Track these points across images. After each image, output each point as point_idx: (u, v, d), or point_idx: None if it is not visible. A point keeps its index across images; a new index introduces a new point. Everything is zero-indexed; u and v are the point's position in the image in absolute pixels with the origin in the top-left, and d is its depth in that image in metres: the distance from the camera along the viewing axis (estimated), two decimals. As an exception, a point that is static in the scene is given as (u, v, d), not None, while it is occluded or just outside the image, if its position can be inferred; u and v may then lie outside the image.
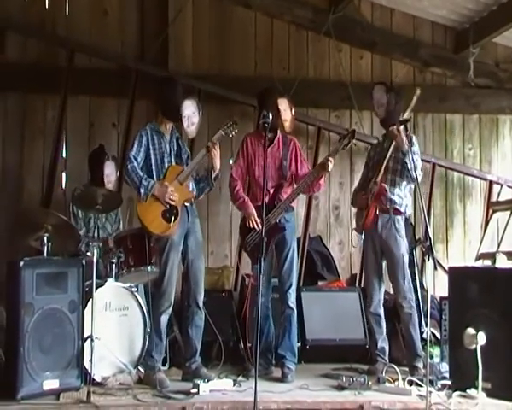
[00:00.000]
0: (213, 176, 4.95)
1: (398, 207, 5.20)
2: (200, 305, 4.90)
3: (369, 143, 6.30)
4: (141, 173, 4.79)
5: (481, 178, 7.10)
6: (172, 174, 4.85)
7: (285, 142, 5.22)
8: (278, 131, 5.19)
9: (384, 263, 5.29)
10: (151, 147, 4.85)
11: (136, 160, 4.81)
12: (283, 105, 5.17)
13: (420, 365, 5.08)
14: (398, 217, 5.21)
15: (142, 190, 4.75)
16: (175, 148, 4.95)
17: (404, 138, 5.03)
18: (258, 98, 5.25)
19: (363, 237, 5.32)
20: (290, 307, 5.11)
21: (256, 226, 5.02)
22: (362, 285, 6.52)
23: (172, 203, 4.78)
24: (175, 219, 4.78)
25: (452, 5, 6.76)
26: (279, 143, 5.21)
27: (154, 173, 4.84)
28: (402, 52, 7.09)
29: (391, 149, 5.13)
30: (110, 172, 5.57)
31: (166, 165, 4.88)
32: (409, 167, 5.02)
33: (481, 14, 6.71)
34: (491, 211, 6.93)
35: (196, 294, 4.88)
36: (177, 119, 4.92)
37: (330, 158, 5.00)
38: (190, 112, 4.92)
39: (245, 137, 5.33)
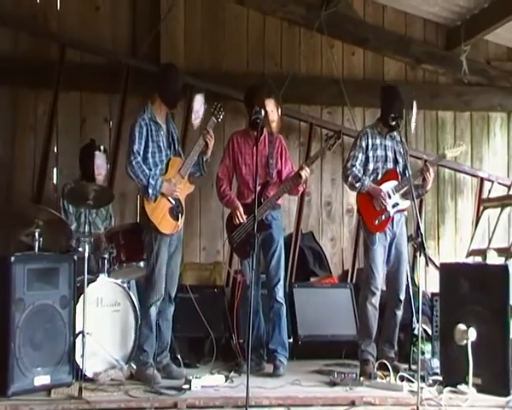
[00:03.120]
0: (204, 160, 4.93)
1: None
2: (172, 299, 4.89)
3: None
4: (147, 171, 4.72)
5: (472, 175, 7.13)
6: (174, 168, 4.83)
7: (271, 140, 5.23)
8: (264, 130, 5.19)
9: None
10: (150, 138, 4.78)
11: (139, 154, 4.74)
12: (270, 106, 5.16)
13: (394, 356, 5.14)
14: (405, 213, 5.24)
15: (150, 190, 4.68)
16: (169, 138, 4.92)
17: (431, 180, 5.11)
18: (246, 97, 5.25)
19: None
20: (279, 302, 5.13)
21: (241, 220, 5.05)
22: (354, 281, 6.55)
23: (180, 199, 4.79)
24: (181, 216, 4.79)
25: (444, 2, 6.78)
26: (265, 141, 5.22)
27: (151, 164, 4.78)
28: (394, 49, 7.10)
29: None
30: (101, 163, 5.51)
31: (164, 157, 4.83)
32: (419, 195, 5.19)
33: (473, 12, 6.73)
34: (482, 208, 6.96)
35: (170, 288, 4.87)
36: (175, 105, 4.92)
37: (305, 167, 5.05)
38: (199, 106, 4.96)
39: (231, 136, 5.36)
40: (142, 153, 4.76)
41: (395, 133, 5.18)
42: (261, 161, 5.15)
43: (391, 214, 5.11)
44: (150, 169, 4.77)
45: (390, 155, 5.22)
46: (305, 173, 5.05)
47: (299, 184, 5.16)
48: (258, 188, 5.09)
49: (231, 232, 5.18)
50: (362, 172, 5.17)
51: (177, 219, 4.81)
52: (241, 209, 5.08)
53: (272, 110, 5.18)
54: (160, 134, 4.84)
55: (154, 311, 4.78)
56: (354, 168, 5.16)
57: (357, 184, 5.15)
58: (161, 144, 4.84)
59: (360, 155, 5.18)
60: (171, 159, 4.87)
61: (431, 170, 5.11)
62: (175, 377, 4.73)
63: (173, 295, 4.90)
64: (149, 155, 4.79)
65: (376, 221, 5.09)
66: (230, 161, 5.24)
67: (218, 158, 5.40)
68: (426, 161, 5.32)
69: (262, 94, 5.16)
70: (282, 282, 5.18)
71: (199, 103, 4.99)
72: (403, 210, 5.20)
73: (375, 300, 5.11)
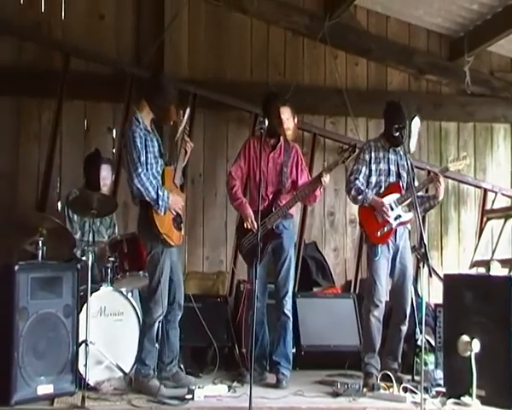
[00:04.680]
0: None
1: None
2: (181, 306, 4.87)
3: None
4: (154, 182, 4.61)
5: (476, 186, 7.12)
6: (169, 178, 4.79)
7: (287, 148, 5.22)
8: (281, 138, 5.20)
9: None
10: (148, 150, 4.68)
11: (144, 165, 4.61)
12: (286, 114, 5.16)
13: (398, 367, 5.13)
14: (409, 227, 5.25)
15: (161, 203, 4.58)
16: (159, 147, 4.83)
17: (443, 190, 5.12)
18: (263, 104, 5.21)
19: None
20: (286, 315, 5.10)
21: (253, 228, 5.02)
22: (357, 291, 6.54)
23: (179, 211, 4.78)
24: (182, 226, 4.80)
25: (447, 13, 6.80)
26: (281, 150, 5.21)
27: (150, 175, 4.67)
28: (397, 59, 7.11)
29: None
30: (106, 174, 5.54)
31: (159, 167, 4.75)
32: (430, 206, 5.23)
33: (476, 23, 6.75)
34: (485, 219, 6.96)
35: (180, 295, 4.85)
36: (164, 116, 4.82)
37: (325, 174, 5.02)
38: (186, 118, 4.93)
39: (248, 139, 5.35)
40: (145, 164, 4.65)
41: (398, 148, 5.19)
42: (275, 169, 5.15)
43: (393, 226, 5.10)
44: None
45: (393, 168, 5.22)
46: (325, 179, 5.02)
47: (317, 189, 5.12)
48: (270, 196, 5.11)
49: (241, 239, 5.16)
50: (365, 185, 5.18)
51: (180, 230, 4.82)
52: (253, 216, 5.04)
53: (288, 118, 5.18)
54: (154, 144, 4.75)
55: (157, 325, 4.75)
56: (357, 181, 5.17)
57: (360, 197, 5.15)
58: (157, 154, 4.76)
59: (363, 168, 5.19)
60: (165, 169, 4.80)
61: (441, 179, 5.11)
62: (184, 385, 4.67)
63: (182, 302, 4.87)
64: (148, 166, 4.66)
65: (379, 233, 5.09)
66: (245, 164, 5.20)
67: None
68: (433, 172, 5.30)
69: (277, 102, 5.17)
70: (290, 293, 5.14)
71: (186, 115, 4.93)
72: (406, 222, 5.19)
73: (379, 312, 5.10)
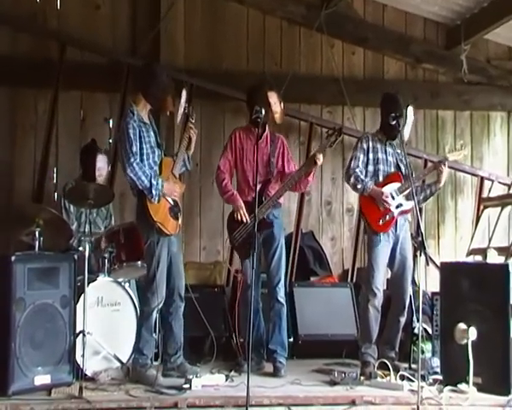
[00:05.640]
0: (190, 156, 4.93)
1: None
2: (183, 297, 4.88)
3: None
4: (147, 171, 4.63)
5: (473, 175, 7.13)
6: (167, 168, 4.79)
7: (273, 139, 5.23)
8: (267, 128, 5.20)
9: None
10: (143, 140, 4.69)
11: (137, 155, 4.64)
12: (273, 98, 5.18)
13: (395, 356, 5.14)
14: (409, 218, 5.26)
15: (154, 192, 4.60)
16: (157, 137, 4.85)
17: (445, 175, 5.16)
18: (248, 93, 5.23)
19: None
20: (280, 302, 5.12)
21: (244, 220, 5.03)
22: (354, 280, 6.55)
23: (176, 199, 4.78)
24: (180, 215, 4.79)
25: (444, 2, 6.78)
26: (267, 140, 5.22)
27: (147, 166, 4.68)
28: (394, 48, 7.10)
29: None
30: (102, 165, 5.54)
31: (157, 157, 4.76)
32: (431, 192, 5.24)
33: (473, 11, 6.73)
34: (482, 207, 6.96)
35: (180, 286, 4.85)
36: (161, 106, 4.85)
37: (318, 154, 5.01)
38: (183, 101, 4.93)
39: (234, 130, 5.34)
40: (139, 154, 4.67)
41: (395, 141, 5.19)
42: (262, 159, 5.14)
43: (395, 215, 5.10)
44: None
45: (391, 159, 5.22)
46: (319, 160, 5.00)
47: (310, 172, 5.12)
48: (259, 186, 5.10)
49: (232, 232, 5.17)
50: (364, 173, 5.18)
51: (177, 219, 4.81)
52: (244, 207, 5.06)
53: (275, 102, 5.19)
54: (150, 134, 4.75)
55: (155, 315, 4.76)
56: (357, 169, 5.16)
57: (359, 186, 5.15)
58: (153, 145, 4.77)
59: (362, 156, 5.19)
60: (163, 159, 4.81)
61: (444, 166, 5.11)
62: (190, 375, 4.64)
63: (183, 293, 4.86)
64: (144, 156, 4.68)
65: (381, 221, 5.09)
66: (232, 156, 5.21)
67: (218, 157, 5.38)
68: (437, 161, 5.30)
69: (264, 87, 5.18)
70: (282, 281, 5.17)
71: (183, 98, 4.96)
72: (407, 211, 5.19)
73: (378, 301, 5.10)
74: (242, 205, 5.07)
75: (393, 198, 5.11)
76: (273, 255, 5.13)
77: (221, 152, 5.38)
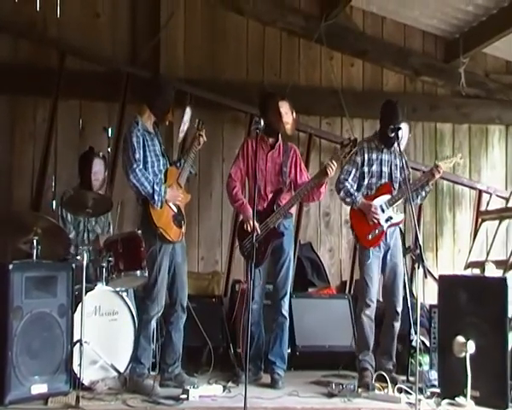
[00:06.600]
0: (193, 160, 4.94)
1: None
2: (184, 308, 4.87)
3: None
4: (150, 177, 4.66)
5: (471, 188, 7.15)
6: (172, 177, 4.82)
7: (286, 149, 5.21)
8: (279, 137, 5.19)
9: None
10: (147, 148, 4.73)
11: (140, 162, 4.67)
12: (284, 108, 5.15)
13: (392, 368, 5.13)
14: (400, 226, 5.27)
15: (156, 197, 4.62)
16: (161, 147, 4.90)
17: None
18: (260, 102, 5.22)
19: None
20: (284, 316, 5.11)
21: (256, 229, 5.01)
22: (352, 292, 6.55)
23: (180, 207, 4.79)
24: (184, 223, 4.80)
25: (443, 15, 6.82)
26: (280, 149, 5.20)
27: (151, 174, 4.71)
28: (393, 60, 7.13)
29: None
30: (98, 169, 5.46)
31: (162, 166, 4.80)
32: (426, 193, 5.23)
33: (471, 25, 6.77)
34: (480, 220, 6.98)
35: (183, 297, 4.86)
36: (165, 119, 4.89)
37: (331, 164, 4.97)
38: (187, 118, 4.95)
39: (246, 139, 5.35)
40: (142, 162, 4.71)
41: (392, 148, 5.19)
42: (274, 169, 5.14)
43: (384, 229, 5.11)
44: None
45: (385, 169, 5.22)
46: (330, 170, 4.95)
47: (322, 184, 5.09)
48: (271, 195, 5.09)
49: (242, 240, 5.14)
50: (355, 187, 5.19)
51: (181, 227, 4.82)
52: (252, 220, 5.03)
53: (286, 112, 5.16)
54: (155, 143, 4.81)
55: (154, 324, 4.76)
56: (346, 183, 5.18)
57: (348, 200, 5.17)
58: (158, 153, 4.81)
59: (354, 170, 5.19)
60: (169, 169, 4.85)
61: (440, 169, 5.11)
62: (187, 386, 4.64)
63: (185, 304, 4.86)
64: (149, 164, 4.73)
65: (370, 236, 5.10)
66: (244, 165, 5.19)
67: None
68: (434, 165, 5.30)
69: (276, 97, 5.17)
70: (288, 295, 5.15)
71: (187, 116, 4.97)
72: (397, 223, 5.20)
73: (371, 311, 5.11)
74: (251, 216, 5.01)
75: (383, 211, 5.12)
76: (281, 267, 5.10)
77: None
